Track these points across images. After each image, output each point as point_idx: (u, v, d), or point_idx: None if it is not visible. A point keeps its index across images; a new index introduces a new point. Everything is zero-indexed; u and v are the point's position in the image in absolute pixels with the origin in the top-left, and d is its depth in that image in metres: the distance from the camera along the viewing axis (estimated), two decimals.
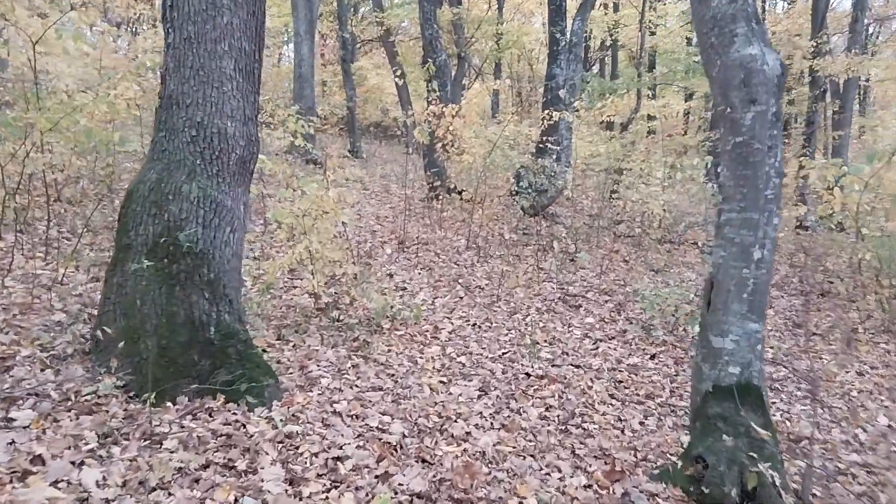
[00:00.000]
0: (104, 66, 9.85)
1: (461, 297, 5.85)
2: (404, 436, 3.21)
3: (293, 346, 4.14)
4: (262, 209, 7.37)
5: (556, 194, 9.66)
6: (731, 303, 2.88)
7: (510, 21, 18.30)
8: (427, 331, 4.91)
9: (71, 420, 2.92)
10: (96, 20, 7.13)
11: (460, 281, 6.37)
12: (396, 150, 16.24)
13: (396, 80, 11.59)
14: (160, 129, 3.54)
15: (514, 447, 3.20)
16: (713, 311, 2.94)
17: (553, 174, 8.87)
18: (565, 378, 4.20)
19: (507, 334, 5.07)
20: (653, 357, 4.95)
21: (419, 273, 6.52)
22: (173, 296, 3.29)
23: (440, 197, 9.51)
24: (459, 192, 9.77)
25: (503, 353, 4.61)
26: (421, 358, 4.32)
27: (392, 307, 5.01)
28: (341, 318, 4.68)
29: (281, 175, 7.51)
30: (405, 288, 5.99)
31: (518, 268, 7.13)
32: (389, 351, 4.34)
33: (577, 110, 10.18)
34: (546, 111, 8.66)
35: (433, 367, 4.16)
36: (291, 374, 3.72)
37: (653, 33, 20.03)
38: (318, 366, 3.87)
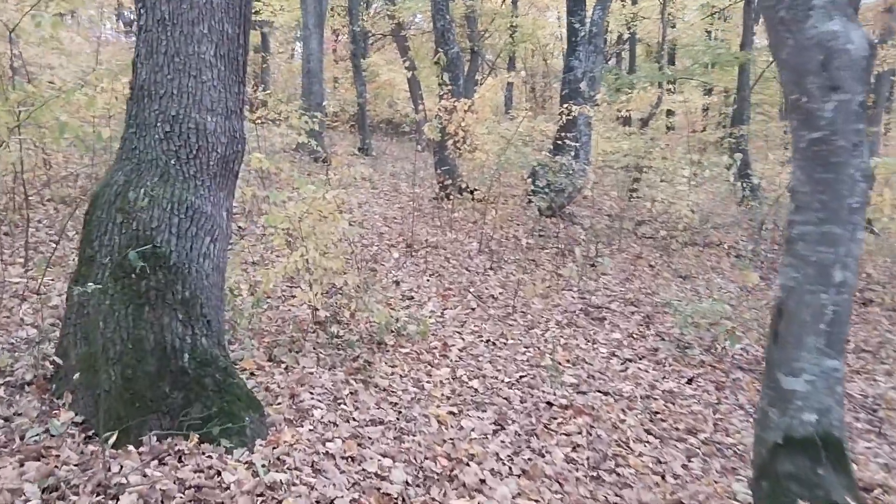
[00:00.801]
0: (107, 60, 9.45)
1: (473, 309, 5.35)
2: (407, 485, 2.72)
3: (285, 369, 3.67)
4: (262, 210, 6.90)
5: (574, 193, 9.11)
6: (805, 335, 2.35)
7: (524, 15, 17.70)
8: (435, 348, 4.42)
9: (14, 468, 2.46)
10: (81, 5, 6.68)
11: (472, 290, 5.87)
12: (408, 147, 15.74)
13: (406, 73, 11.08)
14: (130, 124, 3.07)
15: (537, 500, 2.70)
16: (782, 346, 2.41)
17: (571, 172, 8.32)
18: (593, 409, 3.68)
19: (524, 353, 4.56)
20: (690, 381, 4.42)
21: (428, 280, 6.03)
22: (141, 318, 2.82)
23: (451, 196, 9.00)
24: (471, 192, 9.26)
25: (521, 377, 4.10)
26: (428, 382, 3.82)
27: (397, 320, 4.53)
28: (341, 333, 4.20)
29: (285, 173, 7.06)
30: (412, 297, 5.50)
31: (534, 275, 6.61)
32: (393, 373, 3.85)
33: (598, 104, 9.61)
34: (565, 105, 8.11)
35: (442, 395, 3.67)
36: (280, 404, 3.24)
37: (672, 26, 19.36)
38: (312, 393, 3.38)
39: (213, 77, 3.07)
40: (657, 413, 3.78)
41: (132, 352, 2.79)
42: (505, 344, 4.70)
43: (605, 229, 9.15)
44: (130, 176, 2.97)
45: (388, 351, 4.20)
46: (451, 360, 4.24)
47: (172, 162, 2.98)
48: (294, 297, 4.71)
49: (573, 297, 6.09)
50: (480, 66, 17.91)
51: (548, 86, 26.33)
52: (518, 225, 8.75)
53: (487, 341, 4.70)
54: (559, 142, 9.14)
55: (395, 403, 3.47)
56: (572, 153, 8.73)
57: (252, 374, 3.49)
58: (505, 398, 3.74)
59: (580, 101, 9.11)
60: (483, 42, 16.05)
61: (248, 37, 3.27)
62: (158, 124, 2.98)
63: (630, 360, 4.71)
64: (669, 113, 19.32)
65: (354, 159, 12.58)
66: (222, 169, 3.13)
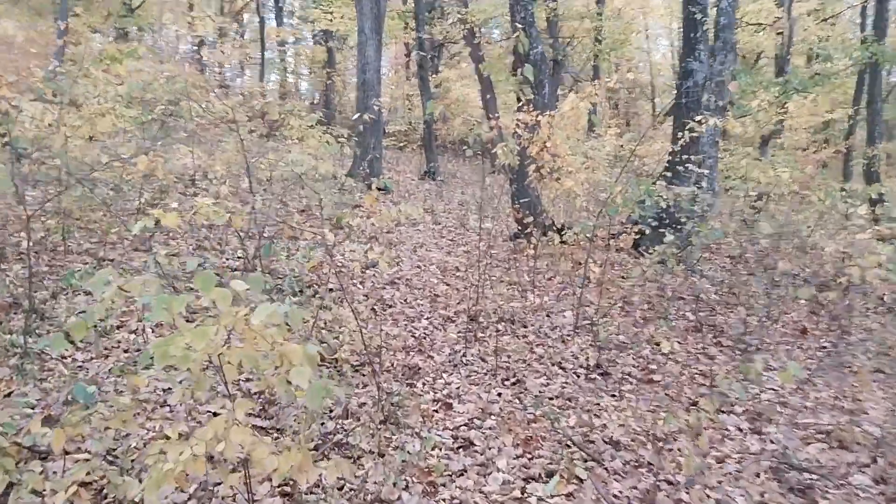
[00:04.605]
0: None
1: (581, 481, 2.77)
2: None
3: None
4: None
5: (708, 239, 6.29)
6: None
7: (613, 19, 14.88)
8: None
9: None
10: None
11: (572, 422, 3.29)
12: (483, 170, 13.29)
13: (481, 73, 8.62)
14: None
15: None
16: None
17: (701, 211, 5.57)
18: None
19: None
20: None
21: (499, 395, 3.51)
22: None
23: (532, 238, 6.44)
24: (559, 230, 6.67)
25: None
26: None
27: None
28: None
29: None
30: (470, 443, 3.00)
31: (669, 383, 3.94)
32: None
33: (728, 118, 6.77)
34: (698, 119, 5.36)
35: None
36: None
37: (779, 33, 15.99)
38: None
39: None
40: None
41: None
42: None
43: (738, 283, 6.27)
44: None
45: None
46: None
47: None
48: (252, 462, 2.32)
49: (740, 430, 3.39)
50: (562, 79, 15.25)
51: (631, 102, 23.31)
52: (622, 277, 6.06)
53: None
54: (678, 167, 6.40)
55: None
56: (701, 182, 5.97)
57: None
58: None
59: (703, 115, 6.35)
60: (566, 51, 13.41)
61: None
62: None
63: None
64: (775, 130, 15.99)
65: (416, 186, 10.28)
66: None
